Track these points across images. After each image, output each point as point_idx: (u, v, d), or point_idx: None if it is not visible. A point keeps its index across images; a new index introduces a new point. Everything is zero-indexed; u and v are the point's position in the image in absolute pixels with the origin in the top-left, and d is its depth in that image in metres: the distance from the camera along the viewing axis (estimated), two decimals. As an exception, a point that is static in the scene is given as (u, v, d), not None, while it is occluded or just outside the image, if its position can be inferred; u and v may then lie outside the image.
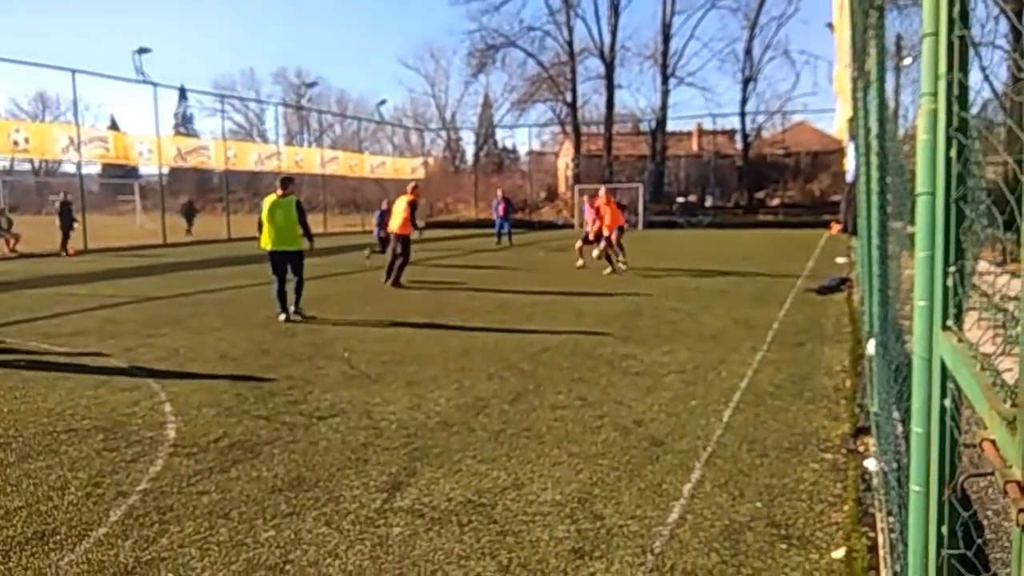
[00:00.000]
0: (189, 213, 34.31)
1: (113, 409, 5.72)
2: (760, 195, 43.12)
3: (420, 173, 45.45)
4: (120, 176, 54.42)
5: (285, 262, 9.89)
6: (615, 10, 43.91)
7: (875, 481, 4.00)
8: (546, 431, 5.08)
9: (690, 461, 4.47)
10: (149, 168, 35.46)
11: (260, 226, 9.95)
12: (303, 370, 6.98)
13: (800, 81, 51.95)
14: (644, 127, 47.33)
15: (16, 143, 24.50)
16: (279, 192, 9.99)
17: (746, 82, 43.84)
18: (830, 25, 32.56)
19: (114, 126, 56.45)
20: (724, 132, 46.74)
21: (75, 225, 23.63)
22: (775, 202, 41.93)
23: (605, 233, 15.57)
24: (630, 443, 4.81)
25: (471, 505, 3.88)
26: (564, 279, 14.67)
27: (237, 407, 5.76)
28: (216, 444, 4.89)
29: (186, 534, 3.57)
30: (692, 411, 5.52)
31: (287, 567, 3.25)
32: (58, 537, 3.55)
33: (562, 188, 50.02)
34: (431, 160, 53.73)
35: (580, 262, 16.41)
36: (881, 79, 4.65)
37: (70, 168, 32.75)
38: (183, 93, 61.86)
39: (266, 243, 9.89)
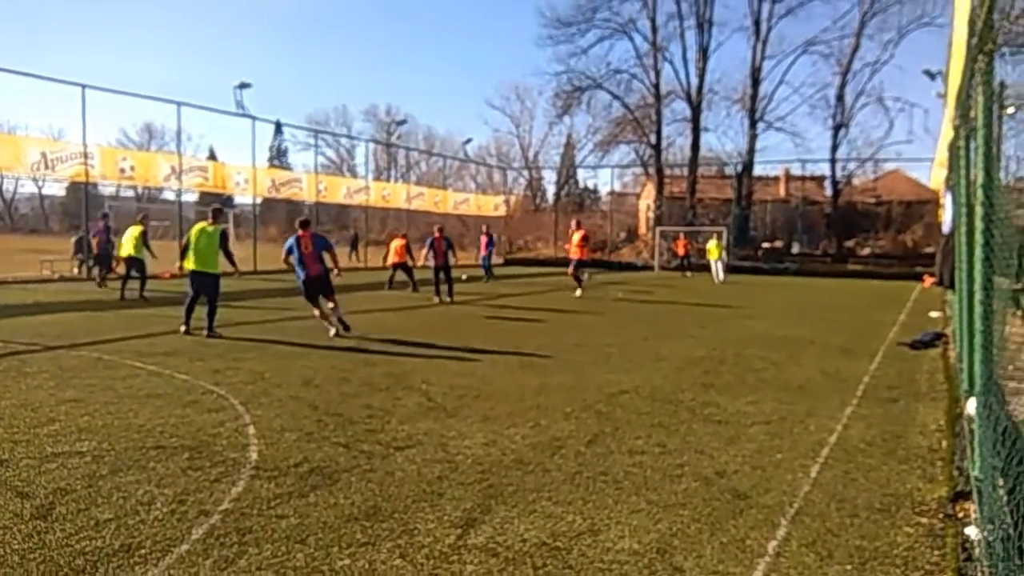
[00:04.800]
0: (354, 243, 38.20)
1: (200, 429, 5.89)
2: (849, 244, 41.83)
3: (501, 211, 46.02)
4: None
5: (203, 283, 11.28)
6: (704, 54, 43.77)
7: (977, 551, 3.74)
8: (624, 476, 4.97)
9: (775, 517, 4.29)
10: (243, 198, 37.03)
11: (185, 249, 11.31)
12: (381, 399, 7.05)
13: (894, 128, 49.97)
14: (729, 171, 46.67)
15: (122, 170, 25.96)
16: (209, 221, 11.42)
17: (837, 128, 42.80)
18: (927, 72, 31.49)
19: (212, 156, 59.07)
20: (813, 178, 45.66)
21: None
22: (865, 251, 40.61)
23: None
24: (712, 494, 4.65)
25: (546, 548, 3.80)
26: (642, 321, 14.48)
27: (317, 433, 5.84)
28: (296, 469, 4.96)
29: (264, 557, 3.60)
30: (778, 465, 5.31)
31: (361, 598, 3.23)
32: (143, 551, 3.63)
33: (643, 229, 49.72)
34: (512, 198, 54.34)
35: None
36: (988, 126, 4.45)
37: (170, 195, 34.42)
38: (279, 127, 64.30)
39: (189, 264, 11.25)
